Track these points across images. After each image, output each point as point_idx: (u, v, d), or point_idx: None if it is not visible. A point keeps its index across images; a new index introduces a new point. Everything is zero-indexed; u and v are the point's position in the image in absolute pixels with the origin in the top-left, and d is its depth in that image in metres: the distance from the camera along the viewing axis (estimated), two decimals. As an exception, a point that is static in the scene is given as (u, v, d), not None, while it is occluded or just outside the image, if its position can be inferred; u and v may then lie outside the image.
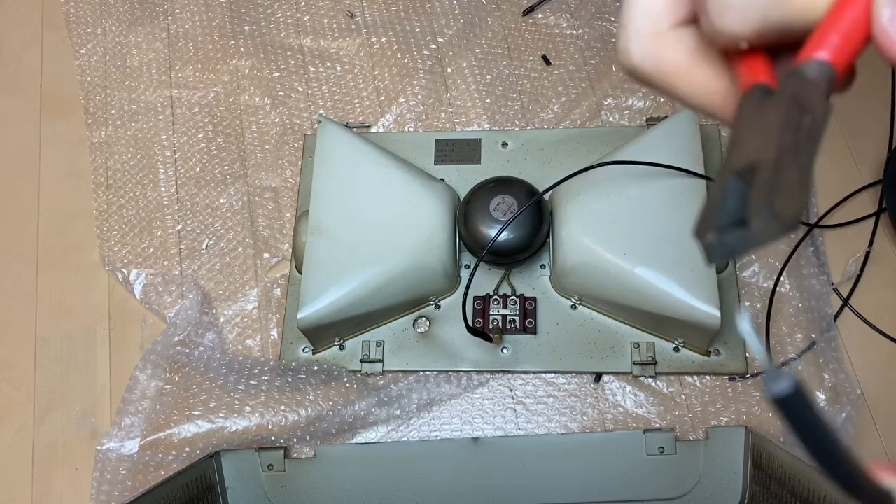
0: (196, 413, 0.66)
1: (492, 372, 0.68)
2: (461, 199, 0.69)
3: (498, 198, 0.66)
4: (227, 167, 0.79)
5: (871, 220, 0.71)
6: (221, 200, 0.78)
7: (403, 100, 0.80)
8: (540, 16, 0.83)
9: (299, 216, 0.72)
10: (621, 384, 0.67)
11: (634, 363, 0.66)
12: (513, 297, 0.68)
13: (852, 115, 0.75)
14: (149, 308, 0.74)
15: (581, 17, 0.82)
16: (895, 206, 0.69)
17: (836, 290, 0.68)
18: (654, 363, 0.66)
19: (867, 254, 0.69)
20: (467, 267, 0.71)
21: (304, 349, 0.70)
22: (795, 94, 0.20)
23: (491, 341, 0.65)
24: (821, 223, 0.70)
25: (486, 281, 0.70)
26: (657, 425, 0.65)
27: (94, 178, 0.80)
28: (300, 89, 0.82)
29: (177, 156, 0.81)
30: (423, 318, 0.69)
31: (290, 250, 0.74)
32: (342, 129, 0.72)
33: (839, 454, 0.19)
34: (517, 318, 0.67)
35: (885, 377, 0.65)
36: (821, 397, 0.64)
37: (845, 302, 0.68)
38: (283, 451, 0.65)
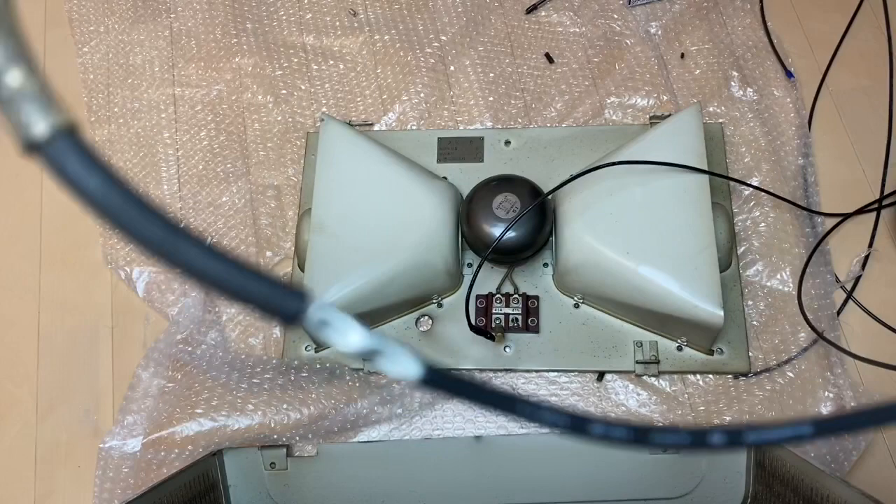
0: (198, 411, 0.66)
1: (494, 370, 0.68)
2: (464, 198, 0.69)
3: (501, 196, 0.65)
4: (229, 165, 0.79)
5: (873, 222, 0.70)
6: (224, 198, 0.78)
7: (406, 98, 0.80)
8: (543, 13, 0.83)
9: (302, 214, 0.72)
10: (624, 383, 0.66)
11: (637, 362, 0.66)
12: (515, 296, 0.68)
13: (855, 112, 0.75)
14: (151, 306, 0.73)
15: (584, 14, 0.82)
16: None
17: (842, 286, 0.68)
18: (657, 362, 0.66)
19: (869, 254, 0.69)
20: (470, 265, 0.70)
21: (306, 347, 0.70)
22: None
23: (493, 340, 0.65)
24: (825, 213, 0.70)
25: (488, 279, 0.69)
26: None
27: (96, 176, 0.80)
28: (303, 87, 0.82)
29: (179, 154, 0.80)
30: (426, 317, 0.69)
31: (293, 248, 0.74)
32: (345, 128, 0.71)
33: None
34: (520, 317, 0.67)
35: (888, 373, 0.65)
36: (826, 395, 0.64)
37: (849, 295, 0.67)
38: (285, 450, 0.65)
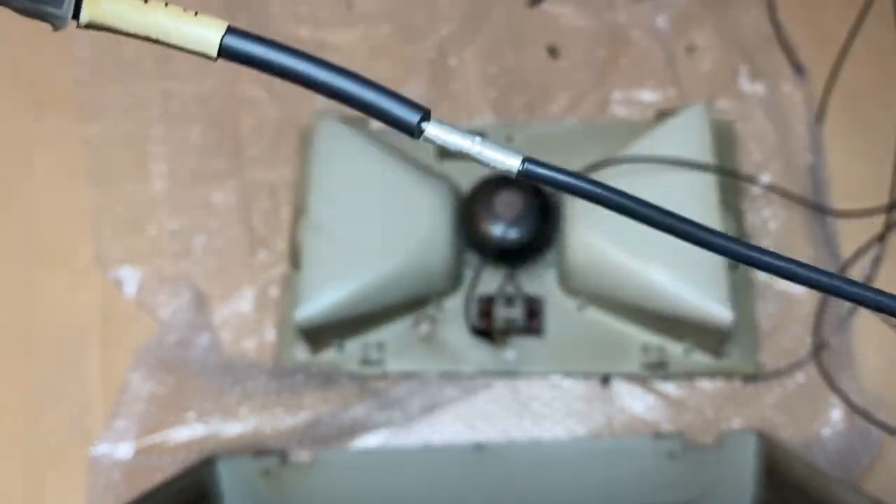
0: (191, 416, 0.65)
1: (496, 374, 0.66)
2: (465, 196, 0.68)
3: (503, 195, 0.65)
4: (222, 162, 0.78)
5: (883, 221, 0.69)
6: (216, 197, 0.76)
7: (404, 92, 0.78)
8: (546, 5, 0.82)
9: (297, 213, 0.71)
10: (630, 387, 0.66)
11: (643, 365, 0.65)
12: (518, 297, 0.67)
13: (867, 108, 0.74)
14: (142, 308, 0.72)
15: (589, 7, 0.81)
16: None
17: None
18: (664, 365, 0.65)
19: (881, 255, 0.68)
20: (471, 266, 0.69)
21: (302, 350, 0.68)
22: None
23: (495, 342, 0.64)
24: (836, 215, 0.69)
25: (490, 280, 0.68)
26: (666, 429, 0.64)
27: (86, 175, 0.79)
28: (298, 82, 0.80)
29: (171, 151, 0.79)
30: (426, 319, 0.68)
31: (288, 248, 0.73)
32: (341, 124, 0.70)
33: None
34: (522, 319, 0.66)
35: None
36: (836, 399, 0.63)
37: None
38: (279, 456, 0.63)
